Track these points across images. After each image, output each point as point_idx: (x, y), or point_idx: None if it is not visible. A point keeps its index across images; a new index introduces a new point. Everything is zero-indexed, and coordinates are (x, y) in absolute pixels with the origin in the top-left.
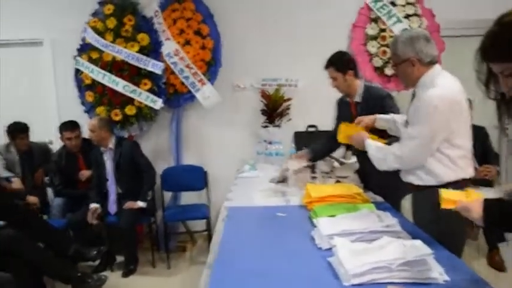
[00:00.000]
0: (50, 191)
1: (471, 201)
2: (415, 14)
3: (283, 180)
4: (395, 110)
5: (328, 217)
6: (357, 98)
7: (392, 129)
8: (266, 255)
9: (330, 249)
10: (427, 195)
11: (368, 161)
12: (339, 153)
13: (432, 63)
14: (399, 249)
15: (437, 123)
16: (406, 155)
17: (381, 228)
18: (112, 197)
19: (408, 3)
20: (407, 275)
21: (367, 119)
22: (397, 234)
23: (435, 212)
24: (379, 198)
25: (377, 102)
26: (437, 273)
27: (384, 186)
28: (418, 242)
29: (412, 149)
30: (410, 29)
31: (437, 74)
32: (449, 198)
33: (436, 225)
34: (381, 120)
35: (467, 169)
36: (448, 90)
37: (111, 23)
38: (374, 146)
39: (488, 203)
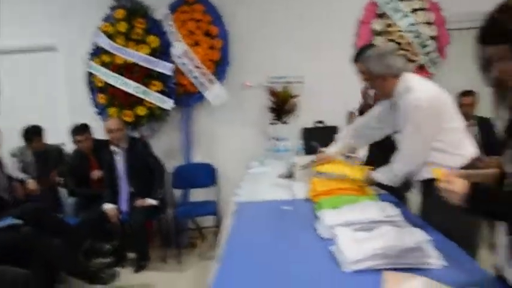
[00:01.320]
0: (64, 192)
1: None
2: (422, 8)
3: (290, 175)
4: None
5: (331, 209)
6: None
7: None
8: (271, 247)
9: (332, 239)
10: (432, 187)
11: (378, 153)
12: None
13: (402, 72)
14: (397, 237)
15: (423, 120)
16: (410, 159)
17: (383, 218)
18: (124, 196)
19: None
20: (404, 261)
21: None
22: (398, 224)
23: (442, 204)
24: (384, 191)
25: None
26: (435, 259)
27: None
28: (417, 230)
29: (411, 153)
30: (379, 45)
31: (410, 79)
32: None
33: (444, 217)
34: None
35: (468, 149)
36: (423, 89)
37: (122, 27)
38: (379, 173)
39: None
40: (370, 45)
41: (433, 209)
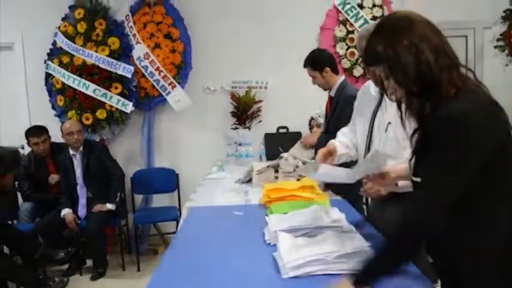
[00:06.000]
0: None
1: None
2: (382, 16)
3: (248, 180)
4: (347, 112)
5: (280, 214)
6: (332, 93)
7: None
8: (214, 251)
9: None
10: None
11: None
12: (307, 154)
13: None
14: (337, 243)
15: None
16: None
17: (327, 223)
18: (82, 201)
19: (375, 6)
20: (344, 267)
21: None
22: (343, 229)
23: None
24: (338, 197)
25: (341, 100)
26: None
27: (341, 185)
28: (357, 236)
29: None
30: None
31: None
32: None
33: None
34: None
35: None
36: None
37: (82, 27)
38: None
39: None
40: (318, 50)
41: (376, 212)
